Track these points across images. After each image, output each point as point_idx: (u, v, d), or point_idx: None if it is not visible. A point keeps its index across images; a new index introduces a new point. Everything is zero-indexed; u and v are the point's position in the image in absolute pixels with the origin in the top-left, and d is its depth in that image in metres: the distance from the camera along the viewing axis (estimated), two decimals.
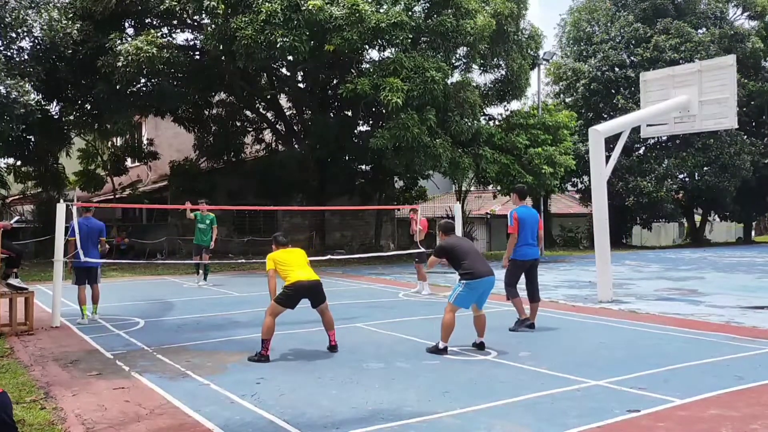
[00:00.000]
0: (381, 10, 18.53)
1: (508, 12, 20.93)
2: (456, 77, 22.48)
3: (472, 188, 30.91)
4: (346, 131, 23.12)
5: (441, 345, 6.79)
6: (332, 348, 7.05)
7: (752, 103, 33.66)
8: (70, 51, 18.95)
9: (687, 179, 34.27)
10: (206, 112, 25.14)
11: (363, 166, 26.11)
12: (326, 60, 20.75)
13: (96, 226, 9.41)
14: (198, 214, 14.15)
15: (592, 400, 5.13)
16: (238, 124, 26.41)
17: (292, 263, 6.96)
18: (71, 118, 22.18)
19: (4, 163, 24.46)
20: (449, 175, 22.67)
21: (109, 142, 27.75)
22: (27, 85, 17.17)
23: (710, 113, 12.19)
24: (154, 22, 20.98)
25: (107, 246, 10.09)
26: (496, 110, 26.97)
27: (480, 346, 6.96)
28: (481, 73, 24.49)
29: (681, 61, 27.03)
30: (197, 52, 21.98)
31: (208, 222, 14.20)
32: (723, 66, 12.43)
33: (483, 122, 24.42)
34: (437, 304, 10.77)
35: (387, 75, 18.33)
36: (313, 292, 6.94)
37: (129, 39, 18.42)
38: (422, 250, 12.48)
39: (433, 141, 19.30)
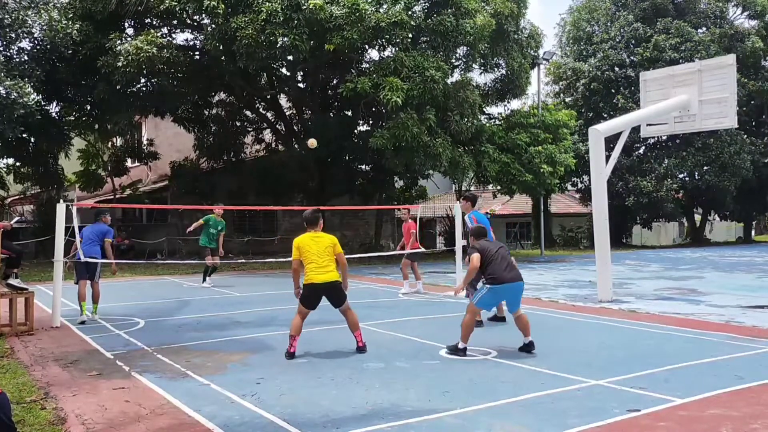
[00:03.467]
0: (381, 10, 18.53)
1: (507, 11, 20.94)
2: (456, 77, 22.51)
3: (472, 188, 30.92)
4: (346, 131, 23.12)
5: (461, 345, 6.65)
6: (359, 349, 6.85)
7: (752, 102, 33.68)
8: (70, 51, 18.95)
9: (687, 179, 34.28)
10: (206, 112, 25.13)
11: (363, 166, 26.10)
12: (326, 59, 20.75)
13: (100, 229, 9.53)
14: (212, 219, 14.09)
15: (592, 399, 5.12)
16: (238, 124, 26.41)
17: (313, 255, 6.64)
18: (71, 118, 22.19)
19: (4, 164, 24.47)
20: (449, 175, 22.67)
21: (110, 143, 27.75)
22: (27, 86, 17.16)
23: (710, 113, 12.20)
24: (154, 22, 20.96)
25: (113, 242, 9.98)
26: (497, 110, 27.03)
27: (529, 347, 6.78)
28: (481, 73, 24.54)
29: (681, 61, 27.04)
30: (197, 52, 21.97)
31: (219, 228, 14.22)
32: (723, 65, 12.44)
33: (485, 121, 24.45)
34: (437, 304, 10.79)
35: (387, 74, 18.34)
36: (329, 293, 6.74)
37: (129, 39, 18.41)
38: (420, 250, 12.59)
39: (433, 140, 19.30)
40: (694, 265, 20.09)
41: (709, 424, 4.53)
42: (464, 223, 9.18)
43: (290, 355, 6.62)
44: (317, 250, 6.68)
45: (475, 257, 6.68)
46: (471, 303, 6.79)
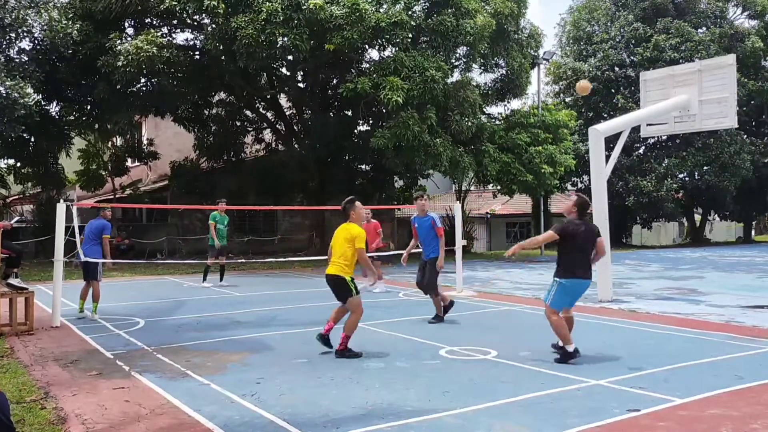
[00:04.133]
0: (381, 10, 18.55)
1: (508, 11, 20.97)
2: (456, 76, 22.50)
3: (472, 188, 30.90)
4: (346, 131, 23.12)
5: (570, 348, 6.26)
6: (337, 352, 6.72)
7: (752, 102, 33.70)
8: (70, 51, 18.93)
9: (687, 179, 34.30)
10: (206, 112, 25.12)
11: (363, 166, 26.10)
12: (326, 59, 20.76)
13: (96, 225, 9.54)
14: (217, 215, 13.96)
15: (592, 399, 5.12)
16: (238, 124, 26.40)
17: (333, 248, 6.88)
18: (71, 118, 22.17)
19: (4, 164, 24.45)
20: (449, 174, 22.68)
21: (110, 142, 27.73)
22: (27, 86, 17.15)
23: (710, 113, 12.20)
24: (154, 22, 20.97)
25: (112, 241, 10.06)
26: (497, 109, 27.06)
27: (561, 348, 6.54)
28: (481, 73, 24.57)
29: (681, 61, 27.05)
30: (197, 52, 21.96)
31: (226, 223, 14.18)
32: (723, 65, 12.43)
33: (485, 120, 24.45)
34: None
35: (387, 74, 18.35)
36: (331, 286, 6.90)
37: (129, 39, 18.42)
38: (383, 253, 13.44)
39: (433, 140, 19.31)
40: (694, 265, 20.08)
41: (709, 424, 4.52)
42: (433, 226, 9.07)
43: (320, 337, 6.83)
44: (336, 243, 6.89)
45: (550, 234, 6.45)
46: (547, 305, 6.44)
